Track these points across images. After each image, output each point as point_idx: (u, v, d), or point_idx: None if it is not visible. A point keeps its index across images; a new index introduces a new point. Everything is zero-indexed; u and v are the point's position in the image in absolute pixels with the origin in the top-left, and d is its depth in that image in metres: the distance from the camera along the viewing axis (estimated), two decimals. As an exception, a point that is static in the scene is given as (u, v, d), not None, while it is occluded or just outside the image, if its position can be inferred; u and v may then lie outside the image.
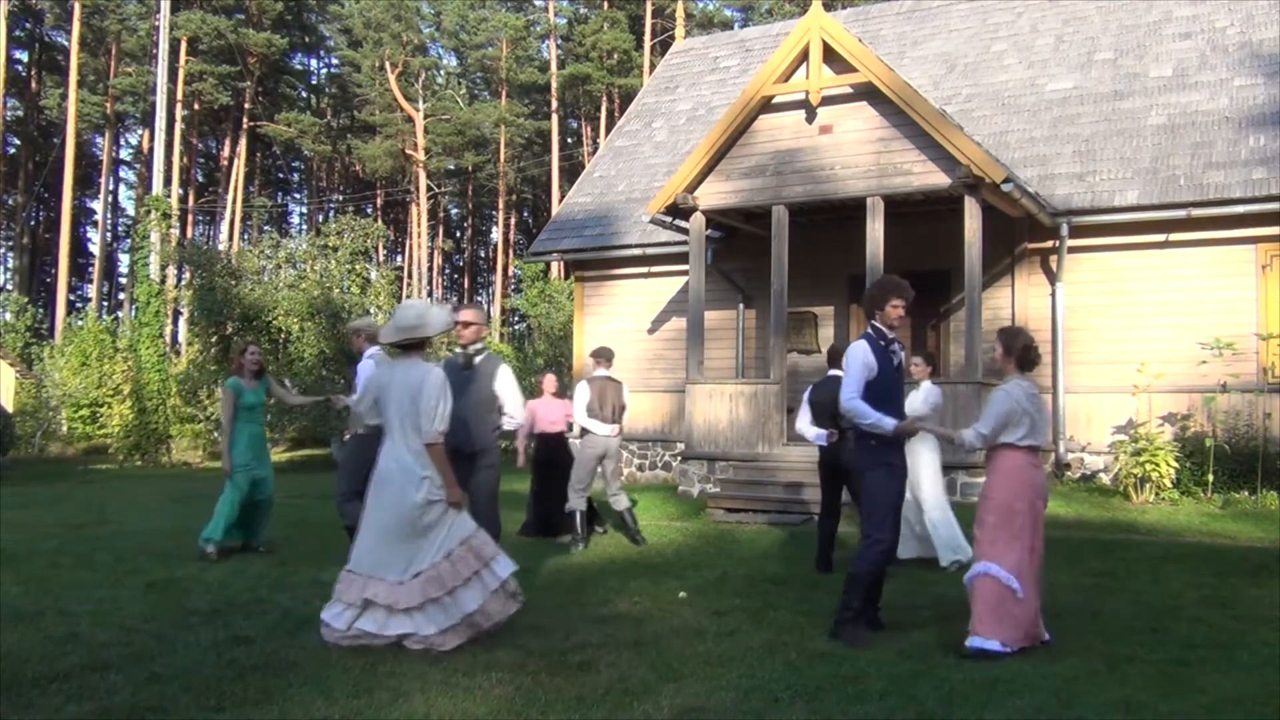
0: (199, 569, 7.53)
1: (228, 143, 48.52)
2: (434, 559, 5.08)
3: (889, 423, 5.26)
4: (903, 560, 7.50)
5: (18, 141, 47.86)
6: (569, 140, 52.31)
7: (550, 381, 10.18)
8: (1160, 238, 12.14)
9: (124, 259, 52.20)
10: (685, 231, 12.91)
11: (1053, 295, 12.57)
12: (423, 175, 46.37)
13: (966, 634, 5.04)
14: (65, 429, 28.39)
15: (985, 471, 5.36)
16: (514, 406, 6.11)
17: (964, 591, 5.28)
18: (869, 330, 5.54)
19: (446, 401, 5.15)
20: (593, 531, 9.51)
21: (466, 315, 6.10)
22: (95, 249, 50.39)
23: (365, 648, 5.01)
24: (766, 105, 12.12)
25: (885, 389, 5.35)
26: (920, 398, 7.75)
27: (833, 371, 7.76)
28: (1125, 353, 12.14)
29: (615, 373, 9.51)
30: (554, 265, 31.80)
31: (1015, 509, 5.11)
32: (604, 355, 9.43)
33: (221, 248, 33.85)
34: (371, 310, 23.44)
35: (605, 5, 47.74)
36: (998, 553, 5.08)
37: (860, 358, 5.34)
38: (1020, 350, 5.25)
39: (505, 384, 6.06)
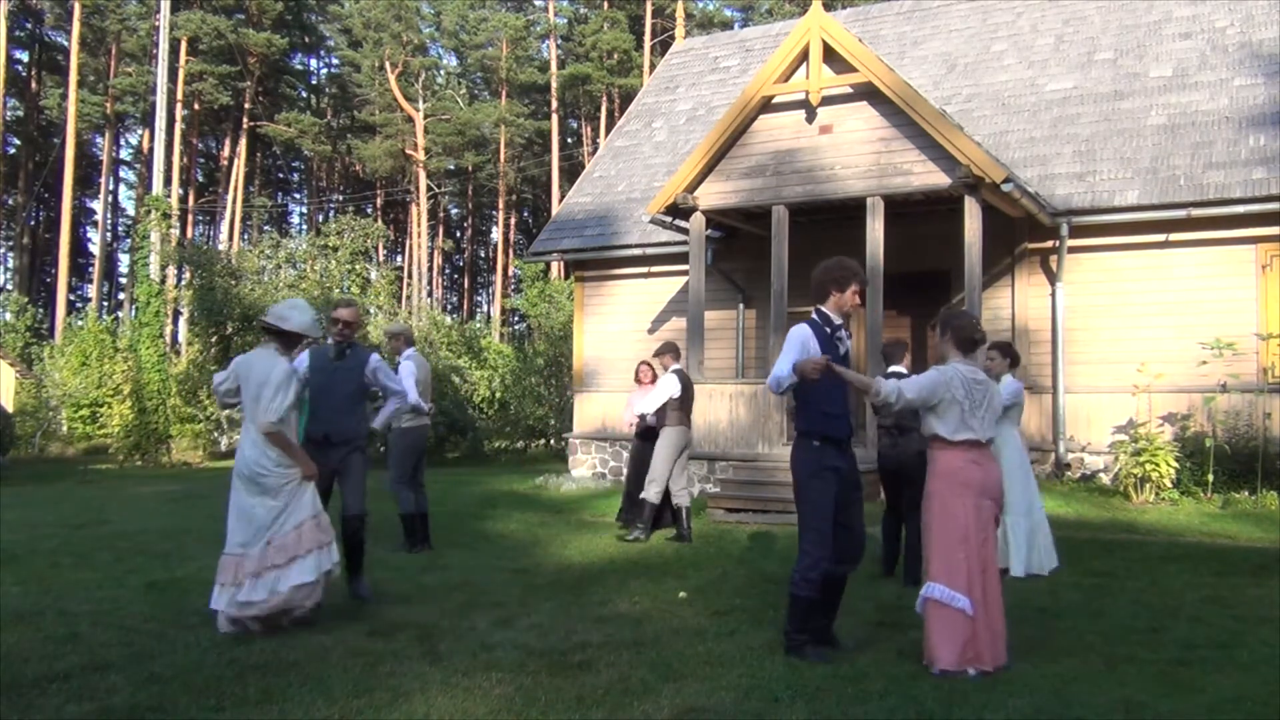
0: (199, 569, 7.52)
1: (228, 143, 48.55)
2: (283, 530, 5.43)
3: (785, 368, 4.77)
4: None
5: (18, 141, 47.87)
6: (569, 140, 52.33)
7: (646, 371, 10.04)
8: (1160, 238, 12.13)
9: (124, 259, 52.29)
10: (685, 231, 12.91)
11: (1053, 295, 12.57)
12: (423, 175, 46.39)
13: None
14: (65, 429, 28.38)
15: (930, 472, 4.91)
16: (402, 385, 6.54)
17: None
18: (816, 315, 5.07)
19: (285, 394, 5.43)
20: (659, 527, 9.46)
21: (341, 313, 6.40)
22: (95, 249, 50.43)
23: (260, 619, 5.34)
24: (766, 105, 12.12)
25: (829, 380, 4.86)
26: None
27: (892, 368, 7.49)
28: (1125, 353, 12.14)
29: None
30: (554, 265, 31.80)
31: (953, 514, 4.70)
32: (674, 350, 9.52)
33: (221, 248, 33.88)
34: (372, 310, 23.46)
35: (605, 5, 47.75)
36: (941, 570, 4.69)
37: (799, 340, 4.87)
38: (955, 329, 4.86)
39: (377, 370, 6.38)
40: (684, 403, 9.26)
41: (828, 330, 5.01)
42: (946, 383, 4.73)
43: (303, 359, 6.03)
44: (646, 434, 9.61)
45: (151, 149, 32.60)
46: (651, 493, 9.15)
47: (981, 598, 4.66)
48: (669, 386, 9.22)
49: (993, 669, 4.62)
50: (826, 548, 4.90)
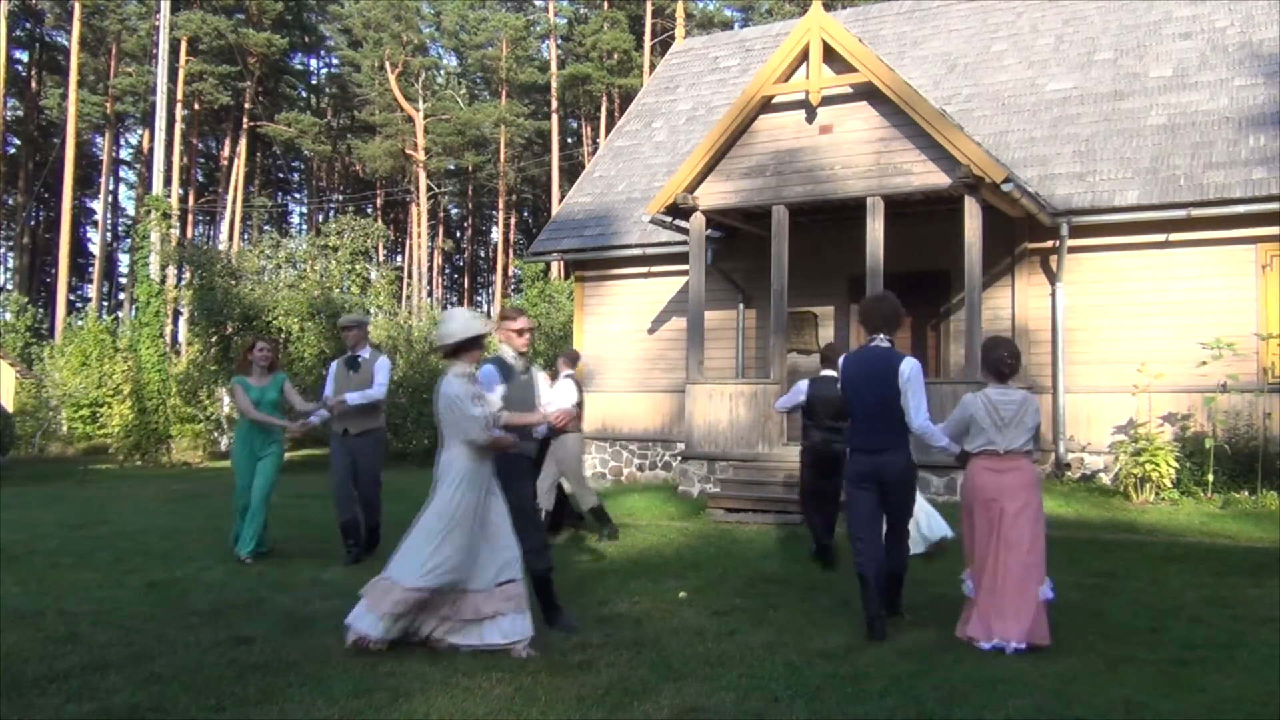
0: (199, 569, 7.52)
1: (228, 143, 48.54)
2: (482, 580, 5.06)
3: (955, 449, 5.58)
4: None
5: (18, 141, 47.85)
6: (569, 140, 52.32)
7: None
8: (1160, 238, 12.13)
9: (124, 259, 52.28)
10: (685, 231, 12.91)
11: (1053, 295, 12.57)
12: (423, 175, 46.37)
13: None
14: (65, 429, 28.37)
15: None
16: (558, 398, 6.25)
17: (961, 591, 5.52)
18: (890, 344, 5.74)
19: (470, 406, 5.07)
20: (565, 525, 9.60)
21: (528, 322, 6.04)
22: (95, 249, 50.42)
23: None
24: (766, 105, 12.12)
25: None
26: None
27: (826, 372, 8.11)
28: (1125, 353, 12.13)
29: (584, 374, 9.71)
30: (554, 265, 31.80)
31: (970, 513, 5.49)
32: (574, 356, 9.84)
33: (221, 248, 33.86)
34: (372, 310, 23.44)
35: (605, 5, 47.74)
36: (968, 561, 5.54)
37: (921, 376, 5.56)
38: (991, 362, 5.57)
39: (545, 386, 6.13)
40: (581, 408, 9.45)
41: None
42: (971, 411, 5.48)
43: (491, 373, 5.58)
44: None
45: (151, 149, 32.59)
46: (590, 500, 9.30)
47: (991, 581, 5.30)
48: (572, 393, 9.16)
49: (1016, 644, 5.13)
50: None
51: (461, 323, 5.30)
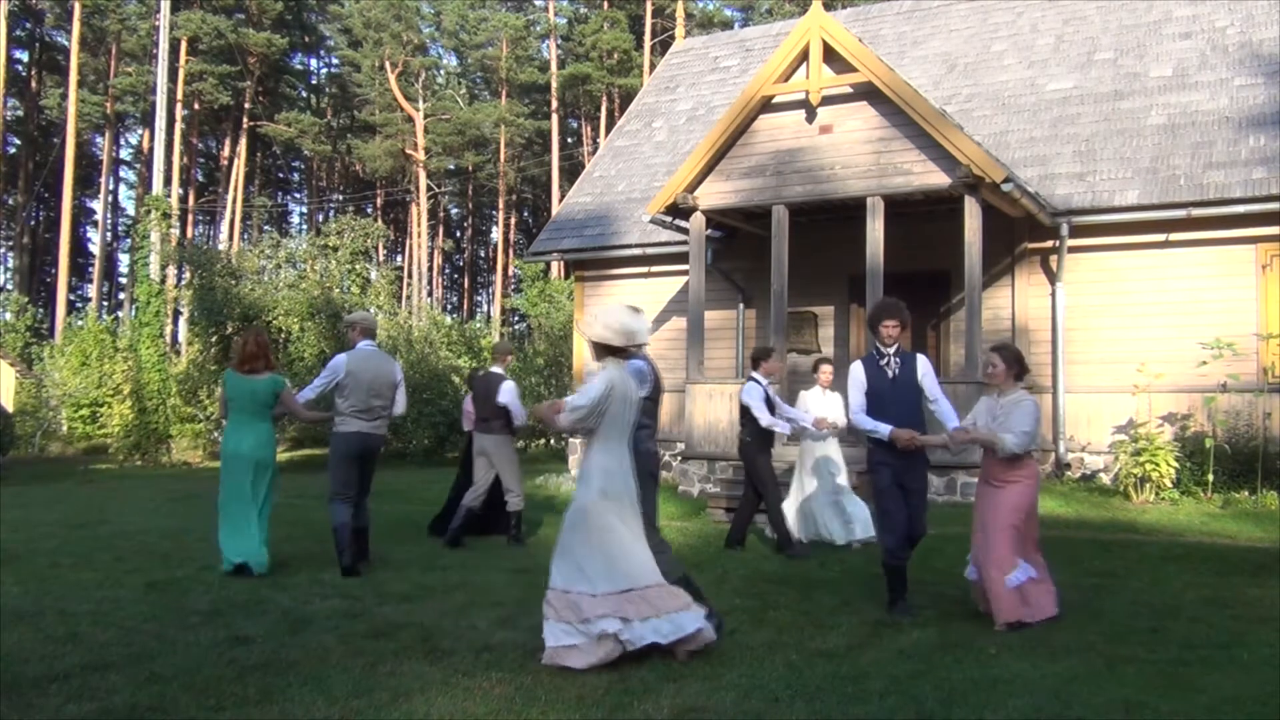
0: (199, 569, 7.52)
1: (228, 143, 48.55)
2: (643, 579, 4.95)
3: (884, 429, 5.94)
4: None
5: (18, 141, 47.86)
6: (569, 140, 52.32)
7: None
8: (1160, 238, 12.13)
9: (124, 259, 52.28)
10: (685, 231, 12.91)
11: (1053, 295, 12.57)
12: (423, 175, 46.38)
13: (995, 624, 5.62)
14: (65, 429, 28.38)
15: (1012, 478, 5.73)
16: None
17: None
18: (871, 349, 6.29)
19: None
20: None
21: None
22: (95, 249, 50.43)
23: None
24: (766, 105, 12.12)
25: (877, 399, 6.07)
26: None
27: (753, 374, 8.90)
28: (1125, 353, 12.13)
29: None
30: (554, 265, 31.81)
31: (1034, 506, 5.86)
32: (509, 351, 9.79)
33: (221, 248, 33.88)
34: (371, 310, 23.45)
35: (605, 5, 47.75)
36: (1028, 552, 5.80)
37: (853, 378, 6.19)
38: (1015, 364, 5.89)
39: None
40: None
41: (879, 361, 6.15)
42: (1039, 412, 5.76)
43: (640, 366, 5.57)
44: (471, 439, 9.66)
45: (151, 149, 32.60)
46: (515, 502, 9.13)
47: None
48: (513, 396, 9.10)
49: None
50: (898, 522, 5.98)
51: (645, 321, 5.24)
